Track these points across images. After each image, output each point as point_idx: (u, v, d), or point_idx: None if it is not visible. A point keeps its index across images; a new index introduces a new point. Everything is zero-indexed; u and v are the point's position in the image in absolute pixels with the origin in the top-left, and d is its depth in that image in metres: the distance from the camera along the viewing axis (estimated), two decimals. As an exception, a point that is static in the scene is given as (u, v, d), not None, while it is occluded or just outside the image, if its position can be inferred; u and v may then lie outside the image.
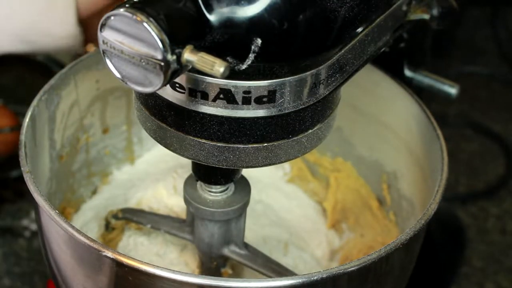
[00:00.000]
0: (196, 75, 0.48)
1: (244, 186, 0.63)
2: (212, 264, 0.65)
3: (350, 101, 0.75)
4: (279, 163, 0.53)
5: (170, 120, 0.52)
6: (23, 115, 0.63)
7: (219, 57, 0.44)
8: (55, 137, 0.69)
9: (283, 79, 0.49)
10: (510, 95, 1.20)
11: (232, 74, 0.46)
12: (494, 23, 1.29)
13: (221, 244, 0.63)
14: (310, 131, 0.53)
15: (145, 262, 0.50)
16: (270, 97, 0.49)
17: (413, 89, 0.71)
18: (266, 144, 0.51)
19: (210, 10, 0.46)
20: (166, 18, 0.44)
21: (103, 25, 0.45)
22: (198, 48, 0.45)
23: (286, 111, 0.50)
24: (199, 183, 0.62)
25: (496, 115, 1.16)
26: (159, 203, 0.77)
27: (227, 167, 0.52)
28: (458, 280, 0.89)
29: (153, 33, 0.43)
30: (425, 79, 0.76)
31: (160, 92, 0.51)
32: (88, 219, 0.75)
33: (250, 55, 0.47)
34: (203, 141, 0.51)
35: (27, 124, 0.62)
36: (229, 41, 0.46)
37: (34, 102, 0.64)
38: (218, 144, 0.51)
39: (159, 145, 0.54)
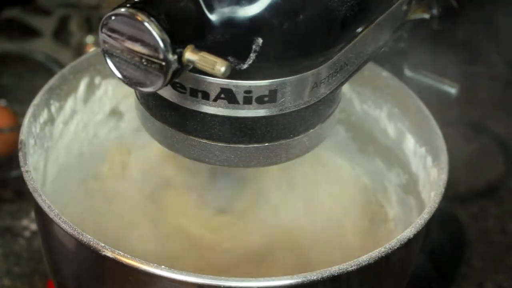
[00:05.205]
0: (197, 75, 0.48)
1: None
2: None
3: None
4: (280, 163, 0.53)
5: (171, 120, 0.52)
6: (23, 115, 0.63)
7: (220, 57, 0.44)
8: (55, 137, 0.69)
9: (284, 78, 0.49)
10: (510, 95, 1.20)
11: (233, 73, 0.46)
12: (494, 23, 1.29)
13: None
14: (311, 130, 0.53)
15: (145, 262, 0.50)
16: (271, 97, 0.49)
17: (413, 89, 0.70)
18: (267, 144, 0.51)
19: (211, 9, 0.46)
20: (167, 18, 0.44)
21: (104, 25, 0.45)
22: (199, 47, 0.45)
23: (287, 111, 0.50)
24: None
25: (496, 115, 1.16)
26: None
27: (228, 167, 0.53)
28: (458, 280, 0.89)
29: (154, 33, 0.43)
30: (425, 79, 0.76)
31: (160, 92, 0.51)
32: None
33: (251, 54, 0.47)
34: (204, 141, 0.51)
35: (27, 124, 0.62)
36: (230, 40, 0.46)
37: (34, 102, 0.64)
38: (219, 144, 0.51)
39: (158, 145, 0.54)
